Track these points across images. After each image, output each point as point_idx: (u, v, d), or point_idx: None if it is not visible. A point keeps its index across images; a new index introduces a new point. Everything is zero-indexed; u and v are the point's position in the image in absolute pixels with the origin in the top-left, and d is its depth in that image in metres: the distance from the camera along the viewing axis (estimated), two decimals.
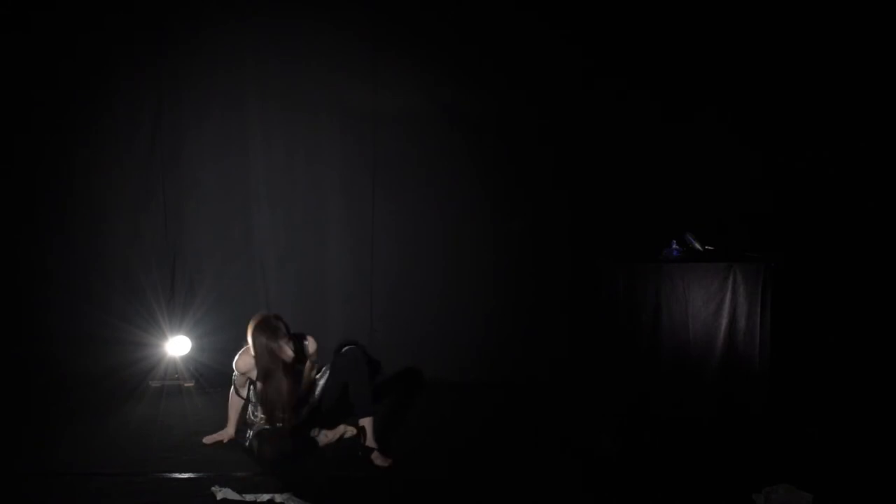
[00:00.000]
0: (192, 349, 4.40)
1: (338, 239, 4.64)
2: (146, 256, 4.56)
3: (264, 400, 3.26)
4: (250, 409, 3.40)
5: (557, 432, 3.63)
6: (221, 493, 2.84)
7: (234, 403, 3.45)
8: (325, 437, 3.46)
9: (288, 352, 3.19)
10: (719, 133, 4.47)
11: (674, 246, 4.02)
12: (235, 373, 3.38)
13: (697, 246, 4.06)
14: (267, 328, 3.19)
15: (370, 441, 3.28)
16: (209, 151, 4.57)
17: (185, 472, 3.08)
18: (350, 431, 3.47)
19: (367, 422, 3.29)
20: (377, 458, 3.21)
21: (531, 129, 4.56)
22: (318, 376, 3.39)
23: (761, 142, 4.44)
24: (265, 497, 2.80)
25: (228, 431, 3.45)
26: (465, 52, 4.50)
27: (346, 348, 3.43)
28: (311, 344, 3.38)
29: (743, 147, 4.45)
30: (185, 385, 4.30)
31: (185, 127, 4.54)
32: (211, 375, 4.34)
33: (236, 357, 3.36)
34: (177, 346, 4.34)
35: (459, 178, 4.59)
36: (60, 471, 3.07)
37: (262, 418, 3.31)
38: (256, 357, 3.23)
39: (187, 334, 4.42)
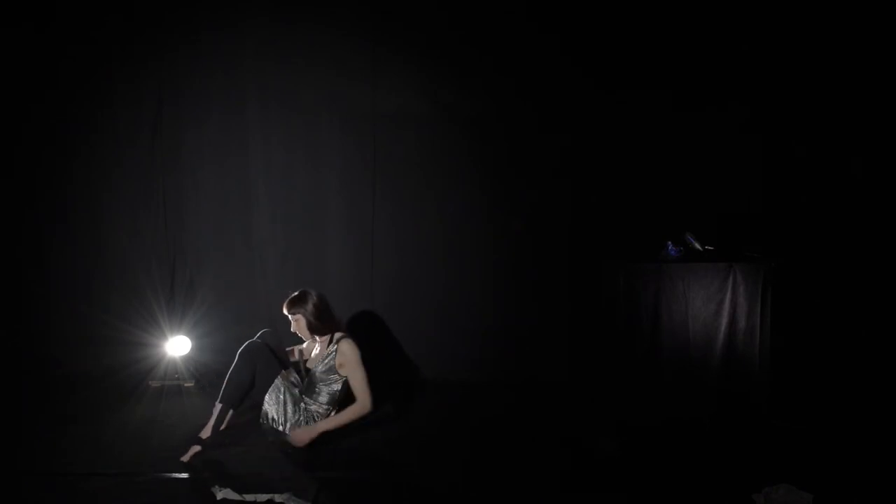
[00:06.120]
0: (192, 349, 4.39)
1: (338, 239, 4.64)
2: (146, 256, 4.57)
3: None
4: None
5: (558, 432, 3.62)
6: (221, 493, 2.84)
7: None
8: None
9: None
10: (720, 133, 4.46)
11: (670, 248, 4.02)
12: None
13: (697, 246, 4.06)
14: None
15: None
16: (209, 151, 4.58)
17: (185, 472, 3.08)
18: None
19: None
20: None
21: (531, 129, 4.56)
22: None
23: (762, 141, 4.45)
24: (265, 497, 2.80)
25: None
26: (465, 52, 4.50)
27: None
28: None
29: (743, 147, 4.45)
30: (185, 385, 4.30)
31: (185, 127, 4.55)
32: (211, 375, 4.34)
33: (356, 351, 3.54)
34: (177, 346, 4.34)
35: (459, 178, 4.59)
36: (60, 471, 3.07)
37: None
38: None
39: (187, 334, 4.42)
